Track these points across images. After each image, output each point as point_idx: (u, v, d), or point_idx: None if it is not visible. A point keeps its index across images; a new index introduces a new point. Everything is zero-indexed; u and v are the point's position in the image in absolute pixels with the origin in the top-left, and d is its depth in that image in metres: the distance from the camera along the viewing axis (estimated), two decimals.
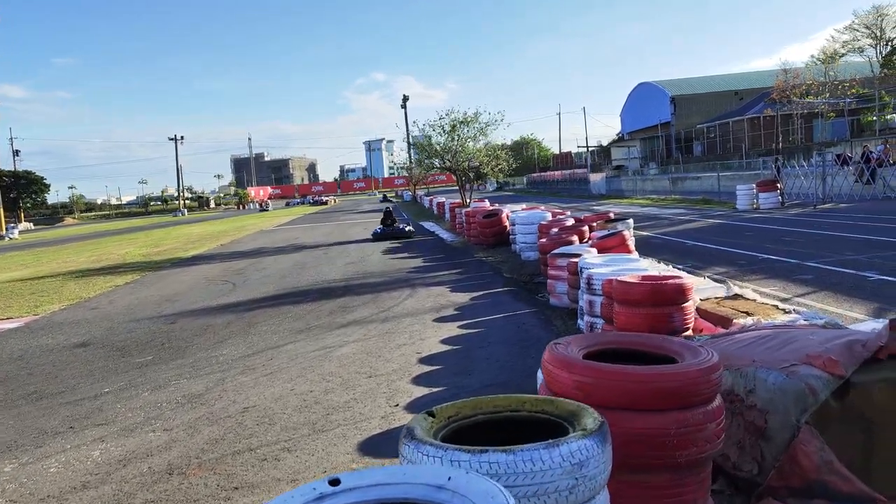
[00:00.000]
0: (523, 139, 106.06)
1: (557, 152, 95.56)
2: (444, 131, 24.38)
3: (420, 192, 58.48)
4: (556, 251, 9.88)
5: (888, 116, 37.22)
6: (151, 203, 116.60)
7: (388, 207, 27.31)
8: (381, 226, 23.69)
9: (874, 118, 37.53)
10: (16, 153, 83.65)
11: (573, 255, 9.29)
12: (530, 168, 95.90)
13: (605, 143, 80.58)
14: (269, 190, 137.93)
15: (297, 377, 6.32)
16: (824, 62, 42.67)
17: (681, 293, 5.56)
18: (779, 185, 23.50)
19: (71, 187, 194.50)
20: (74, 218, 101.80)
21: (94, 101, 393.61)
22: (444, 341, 7.43)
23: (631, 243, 10.85)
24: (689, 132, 54.66)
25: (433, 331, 7.99)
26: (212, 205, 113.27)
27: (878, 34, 53.15)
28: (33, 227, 78.00)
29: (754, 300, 6.43)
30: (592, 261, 7.87)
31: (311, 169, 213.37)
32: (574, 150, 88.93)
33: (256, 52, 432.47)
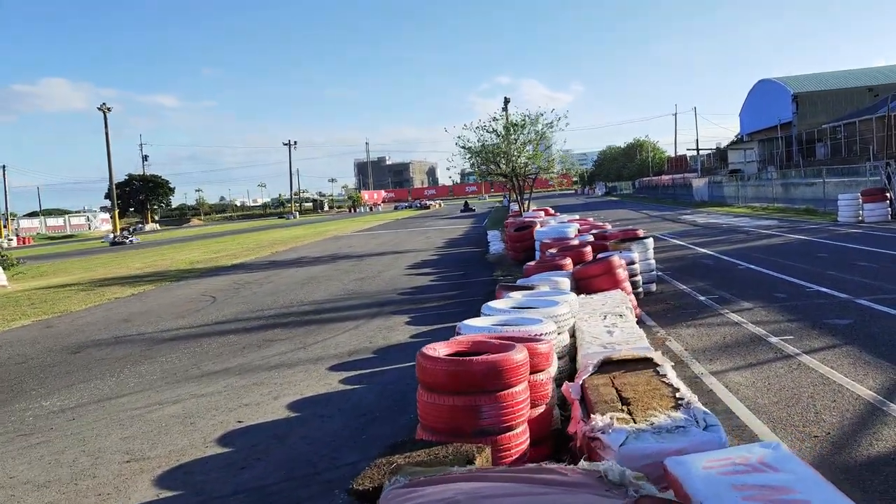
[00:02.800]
0: (636, 142, 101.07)
1: (672, 155, 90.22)
2: (497, 134, 22.54)
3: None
4: (505, 283, 8.05)
5: None
6: (280, 205, 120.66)
7: (466, 200, 69.43)
8: (462, 208, 60.11)
9: None
10: (144, 158, 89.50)
11: (519, 289, 7.49)
12: (644, 172, 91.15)
13: (724, 146, 74.86)
14: (383, 193, 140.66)
15: (51, 455, 4.96)
16: None
17: (496, 376, 3.71)
18: (889, 194, 19.84)
19: (198, 190, 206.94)
20: (200, 219, 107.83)
21: (235, 109, 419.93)
22: (292, 405, 5.85)
23: (621, 272, 8.81)
24: (811, 133, 49.36)
25: (304, 385, 6.43)
26: (325, 207, 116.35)
27: None
28: (159, 228, 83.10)
29: (663, 377, 4.43)
30: (497, 304, 6.03)
31: (431, 172, 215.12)
32: (691, 153, 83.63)
33: (385, 61, 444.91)
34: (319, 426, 5.23)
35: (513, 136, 22.58)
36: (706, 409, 3.74)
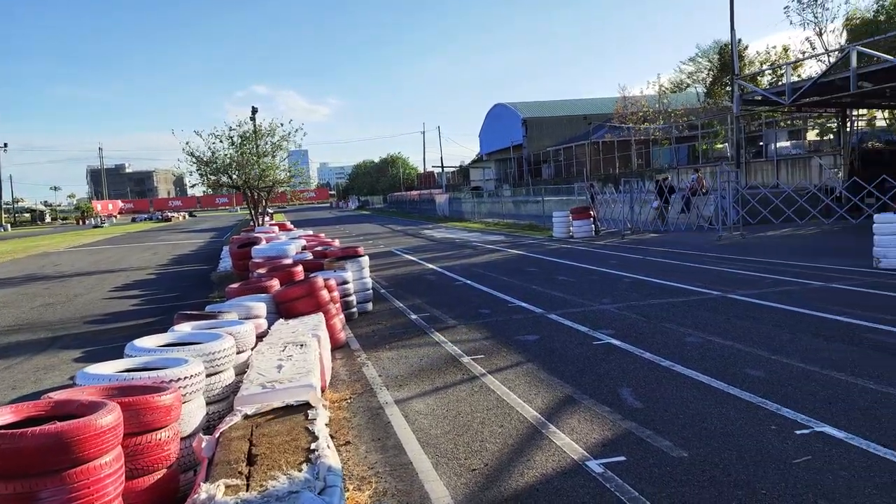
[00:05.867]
0: (390, 157, 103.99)
1: (422, 171, 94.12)
2: (231, 143, 21.13)
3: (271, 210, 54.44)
4: (184, 311, 7.12)
5: (719, 145, 37.60)
6: None
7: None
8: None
9: (706, 146, 37.83)
10: None
11: (202, 317, 6.63)
12: (396, 186, 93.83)
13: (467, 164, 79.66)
14: (121, 204, 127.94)
15: None
16: (660, 94, 42.94)
17: (61, 451, 2.87)
18: (592, 212, 22.08)
19: None
20: None
21: None
22: None
23: (324, 294, 8.29)
24: (538, 155, 54.29)
25: None
26: (47, 219, 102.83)
27: (716, 66, 54.78)
28: None
29: (311, 422, 3.92)
30: (145, 342, 5.14)
31: (179, 182, 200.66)
32: (438, 170, 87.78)
33: (133, 63, 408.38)
34: None
35: (247, 147, 21.35)
36: (333, 464, 3.28)
